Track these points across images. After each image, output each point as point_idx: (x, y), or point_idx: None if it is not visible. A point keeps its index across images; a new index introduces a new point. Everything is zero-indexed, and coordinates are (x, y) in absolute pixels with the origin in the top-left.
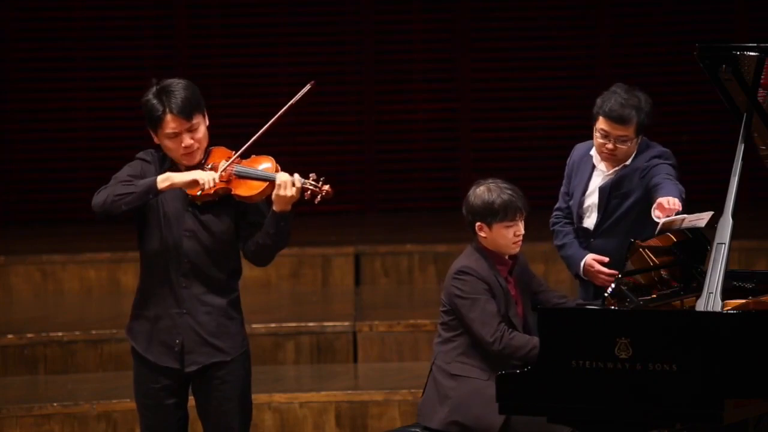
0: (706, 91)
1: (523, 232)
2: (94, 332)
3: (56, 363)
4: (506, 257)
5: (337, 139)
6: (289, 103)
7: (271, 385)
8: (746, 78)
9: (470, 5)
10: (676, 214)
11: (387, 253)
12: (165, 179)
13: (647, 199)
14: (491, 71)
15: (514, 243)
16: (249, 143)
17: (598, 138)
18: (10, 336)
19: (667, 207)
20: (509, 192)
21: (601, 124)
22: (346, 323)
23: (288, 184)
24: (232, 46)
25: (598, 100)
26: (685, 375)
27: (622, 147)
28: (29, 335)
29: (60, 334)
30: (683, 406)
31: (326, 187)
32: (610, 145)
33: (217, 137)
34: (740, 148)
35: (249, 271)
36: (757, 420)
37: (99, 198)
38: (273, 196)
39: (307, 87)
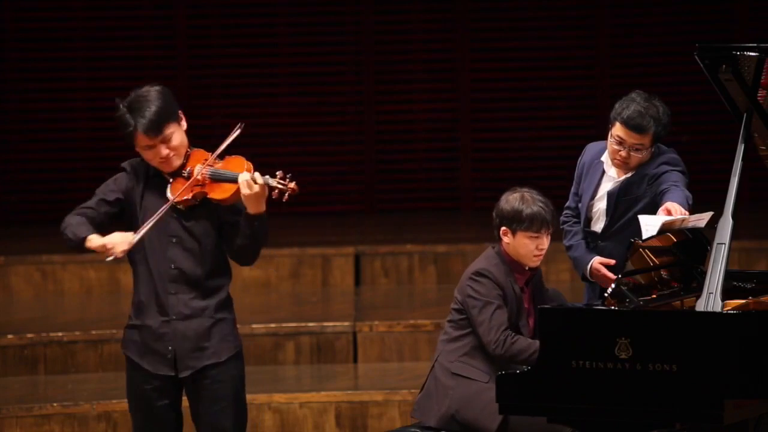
0: (705, 91)
1: (546, 247)
2: (94, 332)
3: (56, 363)
4: (526, 268)
5: (337, 139)
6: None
7: (271, 385)
8: (746, 78)
9: (470, 5)
10: None
11: (387, 253)
12: (89, 240)
13: (654, 206)
14: (491, 71)
15: (535, 256)
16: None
17: (612, 144)
18: (10, 336)
19: (672, 212)
20: (540, 204)
21: (617, 130)
22: (346, 323)
23: (249, 182)
24: (232, 46)
25: (617, 106)
26: (685, 375)
27: (636, 155)
28: (29, 335)
29: (60, 334)
30: (683, 406)
31: (292, 185)
32: (623, 153)
33: (218, 137)
34: (740, 148)
35: (249, 272)
36: (757, 420)
37: (63, 224)
38: (243, 198)
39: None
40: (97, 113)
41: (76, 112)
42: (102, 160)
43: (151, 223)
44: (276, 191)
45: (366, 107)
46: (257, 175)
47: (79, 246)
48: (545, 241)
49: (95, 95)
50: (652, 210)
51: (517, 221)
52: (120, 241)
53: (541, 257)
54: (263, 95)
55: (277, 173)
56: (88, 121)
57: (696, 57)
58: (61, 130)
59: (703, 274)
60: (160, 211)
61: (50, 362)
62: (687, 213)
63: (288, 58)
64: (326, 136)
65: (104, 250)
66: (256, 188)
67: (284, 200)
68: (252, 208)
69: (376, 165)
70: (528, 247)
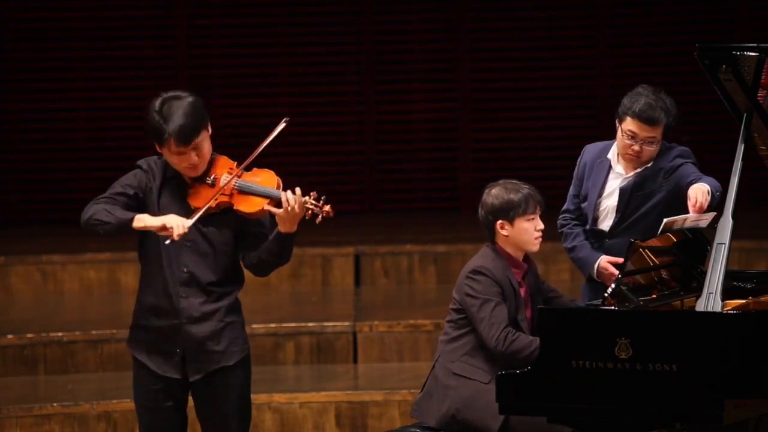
0: (706, 91)
1: (542, 226)
2: (94, 332)
3: (56, 363)
4: (521, 260)
5: (337, 139)
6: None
7: (271, 385)
8: (746, 78)
9: (470, 5)
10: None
11: (387, 253)
12: (139, 220)
13: (669, 200)
14: (491, 71)
15: (536, 238)
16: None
17: (624, 139)
18: (10, 336)
19: (700, 200)
20: (525, 187)
21: (628, 125)
22: (346, 323)
23: (288, 200)
24: (232, 46)
25: (625, 101)
26: (685, 375)
27: (649, 149)
28: (29, 335)
29: (60, 334)
30: (683, 406)
31: (327, 207)
32: (636, 147)
33: (217, 137)
34: (740, 148)
35: (249, 272)
36: (757, 420)
37: (85, 214)
38: (277, 217)
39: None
40: (97, 113)
41: (76, 112)
42: (102, 161)
43: (200, 214)
44: (309, 212)
45: (366, 107)
46: (299, 193)
47: (121, 226)
48: (540, 221)
49: (95, 95)
50: (667, 204)
51: (512, 208)
52: (180, 223)
53: (541, 238)
54: (263, 95)
55: (312, 194)
56: (88, 121)
57: (696, 57)
58: (61, 130)
59: (703, 274)
60: (203, 208)
61: (50, 362)
62: (709, 197)
63: (288, 58)
64: (326, 136)
65: (163, 230)
66: (297, 206)
67: (317, 222)
68: (286, 228)
69: (376, 165)
70: (528, 231)
